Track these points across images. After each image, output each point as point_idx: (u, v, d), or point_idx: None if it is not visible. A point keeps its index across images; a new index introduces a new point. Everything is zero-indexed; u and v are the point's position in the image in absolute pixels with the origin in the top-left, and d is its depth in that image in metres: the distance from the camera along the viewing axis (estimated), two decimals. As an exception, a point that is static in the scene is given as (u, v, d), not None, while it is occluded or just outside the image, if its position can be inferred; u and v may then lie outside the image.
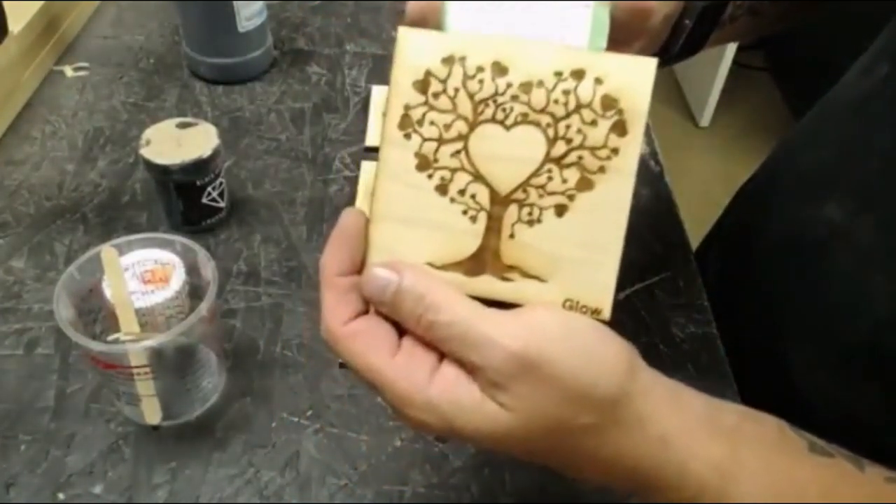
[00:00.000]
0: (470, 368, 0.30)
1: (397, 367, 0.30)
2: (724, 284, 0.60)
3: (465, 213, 0.32)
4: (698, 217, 0.79)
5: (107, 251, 0.47)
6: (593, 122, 0.32)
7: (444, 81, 0.31)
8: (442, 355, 0.31)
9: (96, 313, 0.50)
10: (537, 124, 0.31)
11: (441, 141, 0.32)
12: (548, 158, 0.32)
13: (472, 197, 0.32)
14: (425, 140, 0.32)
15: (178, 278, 0.49)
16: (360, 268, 0.33)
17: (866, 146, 0.49)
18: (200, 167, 0.57)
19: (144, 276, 0.48)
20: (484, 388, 0.29)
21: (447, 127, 0.31)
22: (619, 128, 0.32)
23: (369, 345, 0.31)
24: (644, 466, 0.31)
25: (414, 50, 0.31)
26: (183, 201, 0.59)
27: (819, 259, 0.51)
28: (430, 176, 0.32)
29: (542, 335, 0.29)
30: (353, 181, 0.66)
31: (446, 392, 0.30)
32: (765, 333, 0.55)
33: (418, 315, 0.30)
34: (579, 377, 0.29)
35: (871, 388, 0.48)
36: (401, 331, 0.32)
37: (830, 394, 0.51)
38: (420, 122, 0.32)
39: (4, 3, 0.68)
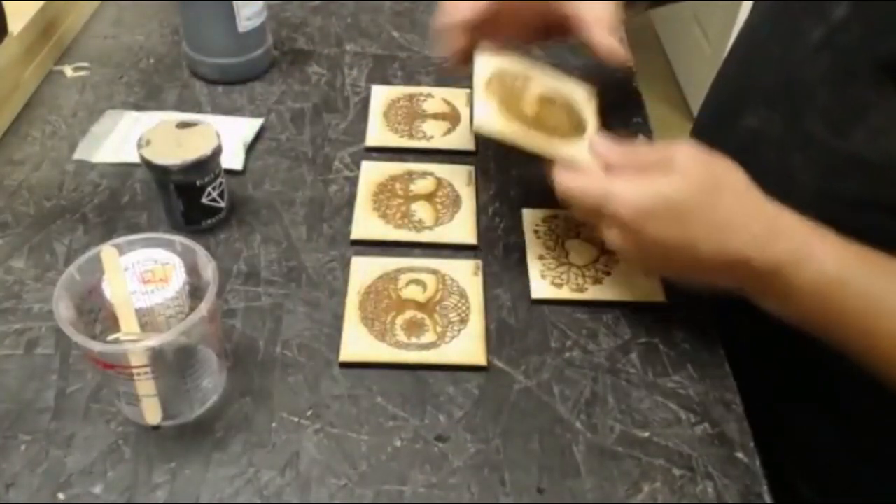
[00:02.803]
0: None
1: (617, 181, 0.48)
2: None
3: None
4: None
5: (107, 251, 0.47)
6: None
7: None
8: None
9: (96, 313, 0.50)
10: None
11: None
12: None
13: None
14: None
15: (178, 278, 0.49)
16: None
17: (762, 62, 0.61)
18: (200, 167, 0.57)
19: (144, 276, 0.48)
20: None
21: None
22: None
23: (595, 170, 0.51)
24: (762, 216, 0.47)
25: None
26: (183, 201, 0.59)
27: (749, 161, 0.60)
28: None
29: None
30: (353, 181, 0.66)
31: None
32: None
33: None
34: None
35: None
36: None
37: None
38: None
39: (4, 3, 0.68)
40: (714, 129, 0.67)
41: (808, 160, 0.55)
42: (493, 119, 0.51)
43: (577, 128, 0.56)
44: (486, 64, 0.57)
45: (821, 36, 0.54)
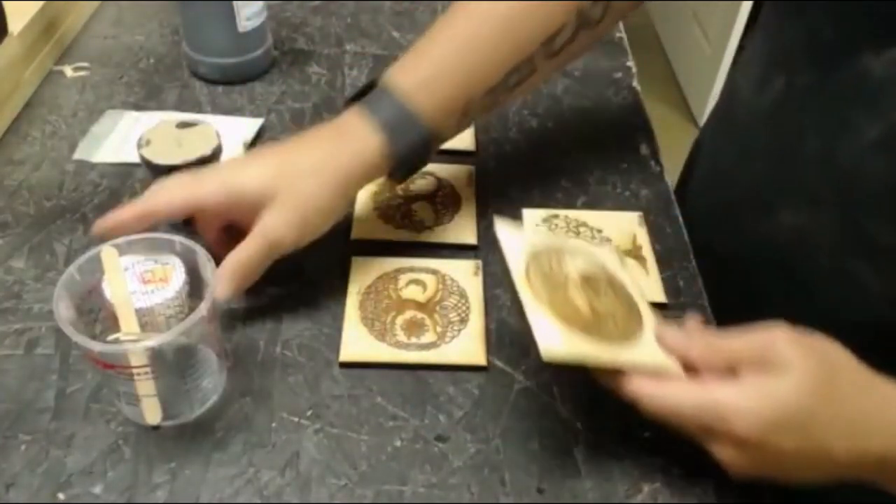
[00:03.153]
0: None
1: (708, 386, 0.41)
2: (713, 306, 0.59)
3: None
4: (698, 217, 0.79)
5: (107, 251, 0.47)
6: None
7: None
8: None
9: (96, 313, 0.50)
10: None
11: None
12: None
13: None
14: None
15: (178, 278, 0.49)
16: None
17: (797, 154, 0.53)
18: (200, 167, 0.57)
19: (144, 276, 0.48)
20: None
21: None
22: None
23: (680, 380, 0.43)
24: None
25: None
26: (183, 201, 0.59)
27: (796, 263, 0.53)
28: None
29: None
30: (353, 181, 0.66)
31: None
32: None
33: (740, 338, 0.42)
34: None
35: (887, 369, 0.48)
36: None
37: None
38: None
39: (4, 3, 0.68)
40: (735, 224, 0.60)
41: (877, 269, 0.50)
42: (558, 340, 0.43)
43: (630, 308, 0.48)
44: (515, 246, 0.48)
45: (880, 135, 0.47)
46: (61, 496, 0.45)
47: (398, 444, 0.48)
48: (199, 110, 0.74)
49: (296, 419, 0.49)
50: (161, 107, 0.74)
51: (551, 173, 0.68)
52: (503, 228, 0.49)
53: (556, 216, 0.63)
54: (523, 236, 0.50)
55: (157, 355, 0.45)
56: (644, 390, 0.42)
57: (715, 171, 0.66)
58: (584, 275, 0.48)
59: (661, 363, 0.44)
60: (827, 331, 0.50)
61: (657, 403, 0.42)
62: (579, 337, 0.44)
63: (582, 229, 0.62)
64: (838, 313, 0.47)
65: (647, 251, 0.60)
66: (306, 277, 0.58)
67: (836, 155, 0.50)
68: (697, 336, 0.44)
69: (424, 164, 0.57)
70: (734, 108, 0.63)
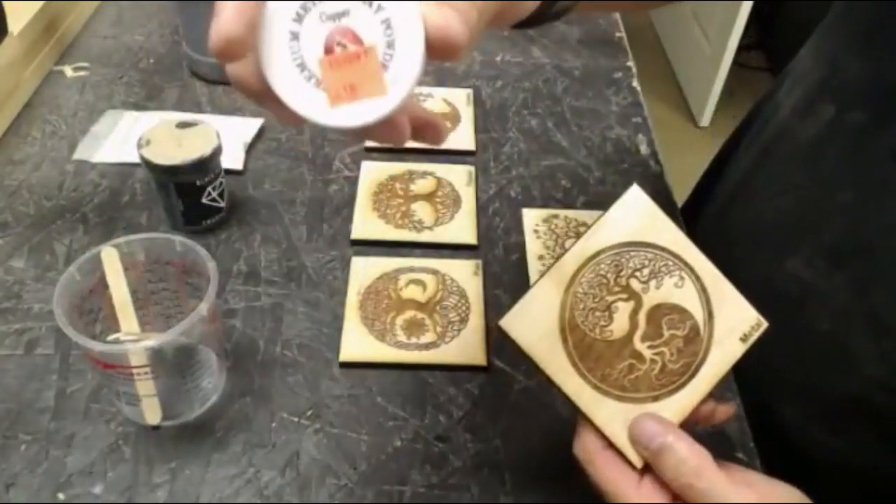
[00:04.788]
0: None
1: (641, 495, 0.36)
2: None
3: None
4: (698, 217, 0.79)
5: (107, 251, 0.47)
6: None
7: None
8: (673, 496, 0.35)
9: (96, 313, 0.50)
10: None
11: None
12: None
13: None
14: None
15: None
16: None
17: (828, 200, 0.48)
18: (200, 167, 0.57)
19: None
20: None
21: None
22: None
23: (622, 469, 0.37)
24: None
25: None
26: (183, 201, 0.59)
27: (793, 317, 0.50)
28: None
29: None
30: (353, 181, 0.66)
31: None
32: (753, 388, 0.53)
33: (679, 473, 0.35)
34: None
35: (867, 438, 0.47)
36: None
37: (826, 445, 0.50)
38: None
39: (4, 3, 0.68)
40: (743, 259, 0.54)
41: (879, 352, 0.45)
42: (526, 326, 0.38)
43: (689, 370, 0.39)
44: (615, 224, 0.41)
45: None
46: (61, 496, 0.45)
47: (398, 444, 0.48)
48: (199, 110, 0.74)
49: (296, 419, 0.49)
50: (161, 107, 0.74)
51: (551, 173, 0.68)
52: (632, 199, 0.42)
53: (556, 216, 0.63)
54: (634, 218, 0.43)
55: (157, 355, 0.45)
56: (589, 456, 0.37)
57: (741, 192, 0.61)
58: (666, 303, 0.39)
59: (623, 446, 0.37)
60: (814, 399, 0.48)
61: (589, 471, 0.38)
62: (561, 347, 0.38)
63: (582, 229, 0.62)
64: (828, 383, 0.45)
65: None
66: (306, 277, 0.58)
67: (868, 215, 0.45)
68: (680, 454, 0.36)
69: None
70: (770, 129, 0.58)
